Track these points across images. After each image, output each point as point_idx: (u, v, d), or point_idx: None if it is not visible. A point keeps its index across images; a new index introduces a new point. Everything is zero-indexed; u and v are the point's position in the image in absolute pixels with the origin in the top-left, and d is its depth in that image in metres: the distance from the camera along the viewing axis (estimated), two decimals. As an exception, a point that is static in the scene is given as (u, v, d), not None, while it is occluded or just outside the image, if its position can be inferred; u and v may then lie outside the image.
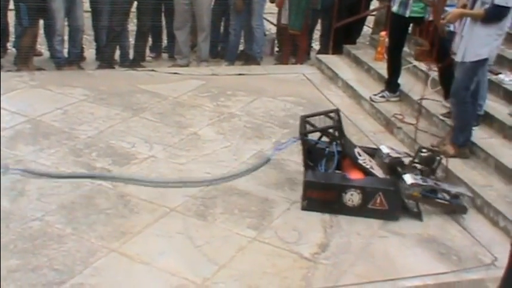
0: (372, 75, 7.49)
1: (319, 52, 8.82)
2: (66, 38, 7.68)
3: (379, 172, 5.08)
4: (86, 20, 7.95)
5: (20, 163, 5.13)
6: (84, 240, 4.25)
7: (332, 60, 8.24)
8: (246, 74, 7.84)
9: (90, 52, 8.33)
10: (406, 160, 5.22)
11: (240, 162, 5.50)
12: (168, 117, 6.33)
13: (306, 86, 7.67)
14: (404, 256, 4.44)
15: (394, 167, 5.14)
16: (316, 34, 9.31)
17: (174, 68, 7.99)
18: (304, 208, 4.84)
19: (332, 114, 5.26)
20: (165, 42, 8.77)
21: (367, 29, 9.28)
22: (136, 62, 8.11)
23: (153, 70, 7.76)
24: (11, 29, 8.04)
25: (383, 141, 6.17)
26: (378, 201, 4.80)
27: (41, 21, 7.62)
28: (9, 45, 8.17)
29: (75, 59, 7.81)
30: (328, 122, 5.22)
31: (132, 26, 8.32)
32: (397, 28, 6.69)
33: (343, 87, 7.53)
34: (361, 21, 8.85)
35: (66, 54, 7.75)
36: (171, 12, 8.14)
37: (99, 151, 5.50)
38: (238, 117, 6.48)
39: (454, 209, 4.98)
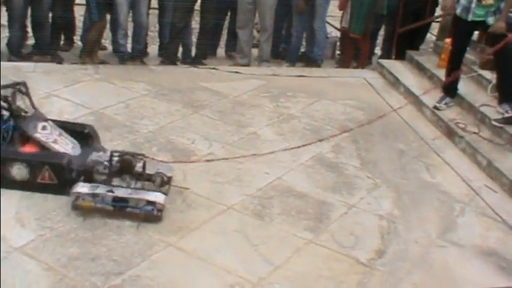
0: (435, 83, 7.36)
1: (381, 57, 8.74)
2: (129, 33, 7.80)
3: (65, 147, 4.73)
4: (151, 16, 8.06)
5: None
6: (142, 233, 4.29)
7: (394, 65, 8.15)
8: (306, 76, 7.81)
9: (153, 48, 8.45)
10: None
11: (299, 164, 5.48)
12: (227, 115, 6.36)
13: (366, 90, 7.60)
14: (463, 267, 4.34)
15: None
16: (379, 39, 9.22)
17: (235, 66, 8.02)
18: None
19: (21, 88, 4.86)
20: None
21: (429, 36, 9.14)
22: (198, 60, 8.17)
23: (214, 68, 7.81)
24: (77, 23, 8.24)
25: (443, 149, 6.09)
26: (47, 175, 4.52)
27: (108, 16, 7.76)
28: (76, 38, 8.36)
29: (138, 54, 7.91)
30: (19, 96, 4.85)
31: (194, 23, 8.39)
32: (460, 32, 6.58)
33: (404, 93, 7.43)
34: (426, 28, 8.73)
35: (129, 50, 7.87)
36: (234, 11, 8.19)
37: (159, 146, 5.55)
38: (298, 118, 6.47)
39: (144, 217, 4.43)
